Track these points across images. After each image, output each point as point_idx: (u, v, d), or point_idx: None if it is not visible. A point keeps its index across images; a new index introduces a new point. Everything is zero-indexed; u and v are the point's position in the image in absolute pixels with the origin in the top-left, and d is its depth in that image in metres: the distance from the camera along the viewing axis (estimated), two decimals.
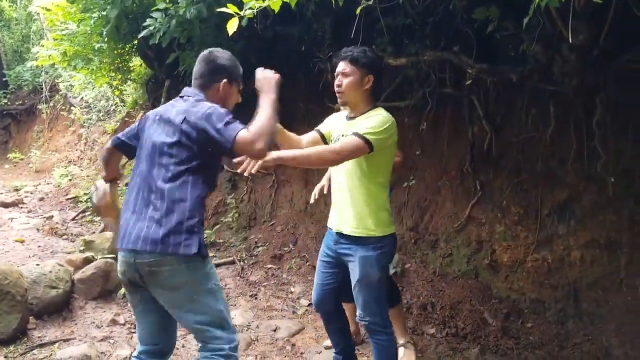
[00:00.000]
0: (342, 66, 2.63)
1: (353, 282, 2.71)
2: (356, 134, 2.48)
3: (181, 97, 2.42)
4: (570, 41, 2.59)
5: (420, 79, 4.54)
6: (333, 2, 3.07)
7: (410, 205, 4.81)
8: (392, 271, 4.43)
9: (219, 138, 2.15)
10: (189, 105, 2.29)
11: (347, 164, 2.62)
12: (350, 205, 2.66)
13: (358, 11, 3.00)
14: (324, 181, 3.42)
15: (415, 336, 3.82)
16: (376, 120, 2.53)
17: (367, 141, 2.46)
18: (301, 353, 3.65)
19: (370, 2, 3.13)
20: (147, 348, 2.41)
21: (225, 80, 2.42)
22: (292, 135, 2.81)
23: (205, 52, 2.49)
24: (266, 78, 2.33)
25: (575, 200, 3.77)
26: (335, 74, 2.68)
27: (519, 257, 4.00)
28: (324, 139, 2.86)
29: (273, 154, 2.38)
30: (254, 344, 3.81)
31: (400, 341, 3.47)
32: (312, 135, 2.89)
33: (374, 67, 2.63)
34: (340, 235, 2.75)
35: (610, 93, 3.45)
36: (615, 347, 3.36)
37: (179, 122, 2.22)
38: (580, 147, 3.67)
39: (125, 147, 2.55)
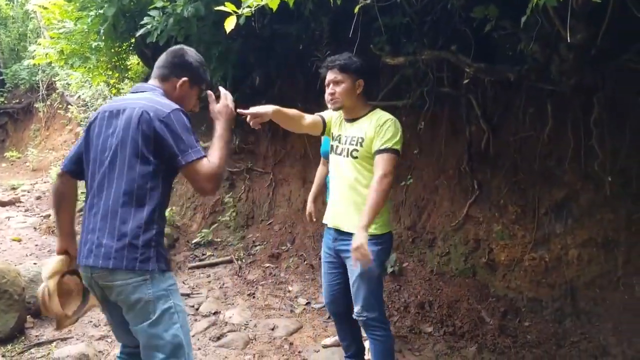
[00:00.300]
0: (332, 75, 2.73)
1: (352, 278, 2.73)
2: (385, 150, 2.62)
3: (135, 92, 2.20)
4: (569, 40, 2.59)
5: (418, 78, 4.54)
6: (331, 1, 3.06)
7: (408, 204, 4.82)
8: (390, 270, 4.45)
9: (174, 149, 1.96)
10: (146, 99, 2.06)
11: (347, 164, 2.74)
12: (350, 204, 2.73)
13: (356, 10, 3.00)
14: (310, 204, 3.61)
15: (413, 335, 3.82)
16: (391, 129, 2.65)
17: (396, 151, 2.64)
18: (299, 352, 3.65)
19: (369, 1, 3.12)
20: (128, 350, 2.29)
21: (186, 79, 2.23)
22: (291, 112, 2.79)
23: (177, 46, 2.32)
24: (227, 108, 2.22)
25: (573, 199, 3.78)
26: (326, 83, 2.77)
27: (517, 256, 4.00)
28: (324, 125, 2.93)
29: (364, 225, 2.51)
30: (252, 342, 3.80)
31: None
32: (315, 118, 2.94)
33: (363, 71, 2.75)
34: (339, 232, 2.79)
35: (607, 92, 3.46)
36: (612, 346, 3.37)
37: (136, 118, 1.98)
38: (578, 146, 3.67)
39: (81, 169, 2.19)
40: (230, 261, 5.67)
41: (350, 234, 2.68)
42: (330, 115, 2.93)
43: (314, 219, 3.60)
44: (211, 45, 5.23)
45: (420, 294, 4.23)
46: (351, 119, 2.81)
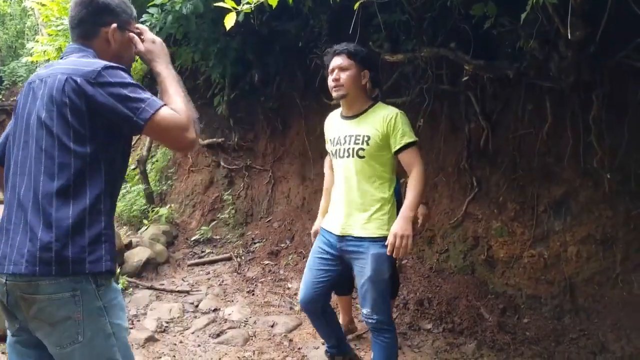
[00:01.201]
0: (339, 60, 2.62)
1: (362, 280, 2.62)
2: (410, 144, 2.59)
3: (60, 58, 1.76)
4: (568, 38, 2.59)
5: (417, 75, 4.54)
6: None
7: None
8: None
9: (124, 112, 1.56)
10: (70, 63, 1.64)
11: (353, 164, 2.64)
12: (359, 207, 2.63)
13: (356, 7, 2.99)
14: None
15: (412, 332, 3.83)
16: (404, 121, 2.60)
17: (417, 142, 2.63)
18: (299, 348, 3.66)
19: None
20: None
21: (114, 25, 1.76)
22: (329, 186, 2.92)
23: None
24: (157, 44, 1.83)
25: (572, 196, 3.79)
26: (331, 69, 2.65)
27: (516, 253, 4.01)
28: None
29: (411, 216, 2.52)
30: (252, 339, 3.81)
31: None
32: (329, 162, 2.96)
33: (370, 63, 2.67)
34: (348, 236, 2.68)
35: (606, 89, 3.47)
36: (611, 342, 3.38)
37: (59, 88, 1.57)
38: (577, 143, 3.68)
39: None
40: (230, 258, 5.67)
41: (362, 238, 2.60)
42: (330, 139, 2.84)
43: None
44: (210, 43, 5.22)
45: (420, 291, 4.24)
46: (351, 116, 2.69)
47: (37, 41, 8.56)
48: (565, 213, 3.82)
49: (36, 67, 13.48)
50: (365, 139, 2.59)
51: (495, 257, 4.13)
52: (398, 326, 3.88)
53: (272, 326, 4.01)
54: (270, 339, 3.82)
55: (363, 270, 2.61)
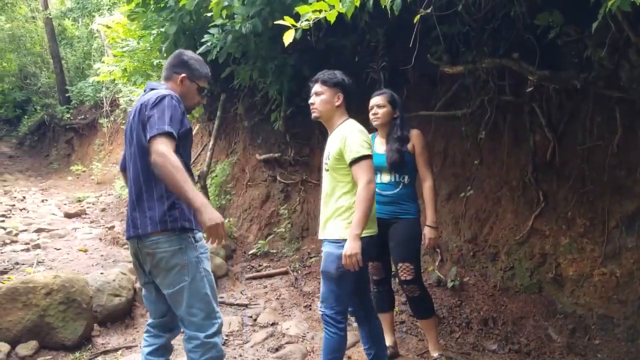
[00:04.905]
0: (315, 87, 2.95)
1: None
2: (359, 159, 2.73)
3: (145, 90, 2.59)
4: None
5: (477, 86, 4.44)
6: (388, 12, 3.05)
7: (469, 217, 4.69)
8: (450, 284, 4.34)
9: (146, 124, 2.32)
10: (147, 96, 2.45)
11: (325, 177, 2.93)
12: (325, 215, 2.91)
13: (416, 20, 2.97)
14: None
15: (476, 352, 3.71)
16: (354, 138, 2.78)
17: (368, 156, 2.77)
18: None
19: (428, 11, 3.09)
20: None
21: (184, 75, 2.59)
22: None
23: (177, 50, 2.72)
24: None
25: None
26: (311, 95, 2.98)
27: (585, 270, 3.83)
28: None
29: (357, 234, 2.66)
30: (310, 355, 3.79)
31: (434, 354, 3.46)
32: None
33: (343, 86, 2.93)
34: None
35: None
36: None
37: (137, 113, 2.44)
38: None
39: None
40: (286, 272, 5.70)
41: (324, 240, 2.89)
42: None
43: None
44: (268, 60, 5.32)
45: (483, 310, 4.10)
46: (330, 133, 2.96)
47: (103, 62, 9.01)
48: (638, 229, 3.62)
49: (102, 87, 14.14)
50: (329, 153, 2.88)
51: (564, 275, 3.95)
52: (461, 346, 3.79)
53: None
54: None
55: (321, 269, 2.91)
